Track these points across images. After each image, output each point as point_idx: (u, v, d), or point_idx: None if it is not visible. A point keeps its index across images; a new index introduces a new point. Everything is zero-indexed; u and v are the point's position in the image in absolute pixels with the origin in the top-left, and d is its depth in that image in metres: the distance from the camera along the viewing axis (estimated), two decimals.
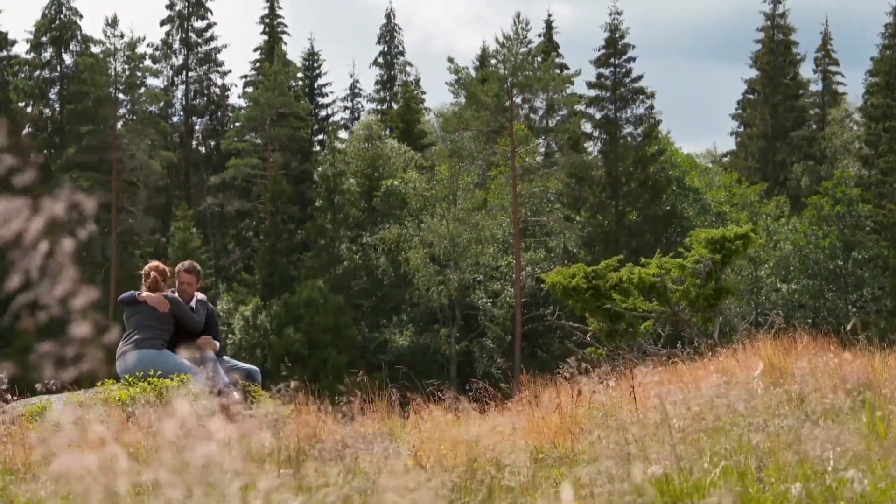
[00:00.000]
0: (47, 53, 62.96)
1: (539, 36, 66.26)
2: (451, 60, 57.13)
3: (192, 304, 10.86)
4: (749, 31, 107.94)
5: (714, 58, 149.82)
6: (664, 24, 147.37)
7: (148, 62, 65.94)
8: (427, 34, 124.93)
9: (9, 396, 9.22)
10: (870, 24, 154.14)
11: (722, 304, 20.93)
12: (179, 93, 69.05)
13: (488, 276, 55.65)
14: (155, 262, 10.98)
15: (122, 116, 63.66)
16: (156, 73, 66.19)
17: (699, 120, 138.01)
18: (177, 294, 10.80)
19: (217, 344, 10.76)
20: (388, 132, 66.76)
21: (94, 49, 62.69)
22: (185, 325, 10.54)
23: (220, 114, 69.82)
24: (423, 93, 72.25)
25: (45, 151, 60.97)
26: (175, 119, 69.16)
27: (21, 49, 63.10)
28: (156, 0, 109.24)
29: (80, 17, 63.44)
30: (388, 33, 72.20)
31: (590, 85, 59.82)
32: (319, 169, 62.71)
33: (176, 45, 68.70)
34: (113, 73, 62.42)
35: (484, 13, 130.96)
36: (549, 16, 75.68)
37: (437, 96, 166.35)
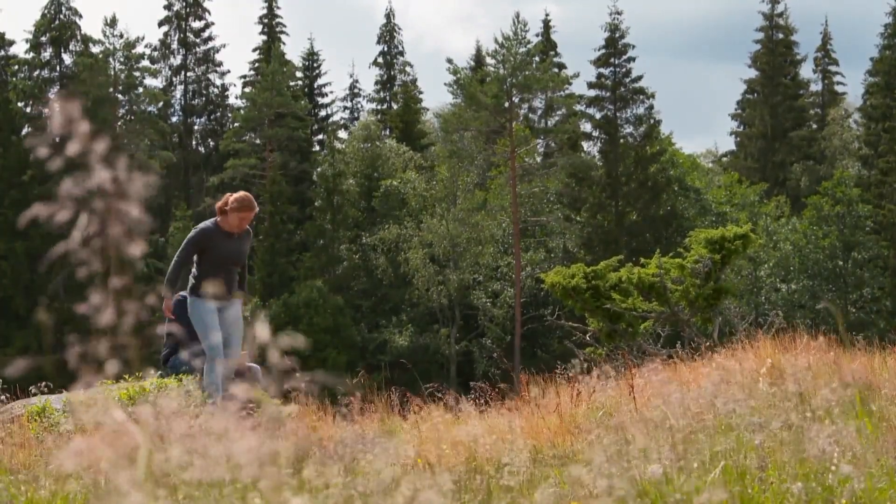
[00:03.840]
0: (47, 53, 62.96)
1: (537, 36, 66.27)
2: (450, 61, 57.24)
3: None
4: (749, 32, 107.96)
5: (713, 58, 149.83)
6: (664, 24, 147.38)
7: (146, 62, 66.01)
8: (418, 33, 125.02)
9: (3, 397, 9.22)
10: (869, 25, 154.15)
11: (721, 304, 20.94)
12: (178, 93, 69.11)
13: (488, 276, 55.64)
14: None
15: (121, 117, 63.71)
16: (154, 74, 66.24)
17: (699, 120, 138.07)
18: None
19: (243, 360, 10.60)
20: (387, 132, 66.75)
21: (94, 49, 62.74)
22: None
23: (218, 114, 69.85)
24: (421, 92, 72.36)
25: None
26: (174, 119, 69.19)
27: (19, 49, 63.14)
28: (154, 0, 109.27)
29: (80, 17, 63.46)
30: (388, 33, 72.22)
31: (590, 85, 59.89)
32: (319, 169, 62.71)
33: (174, 46, 68.74)
34: (112, 74, 62.46)
35: (474, 12, 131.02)
36: (547, 15, 75.78)
37: (431, 95, 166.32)
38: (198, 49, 68.92)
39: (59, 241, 2.42)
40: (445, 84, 60.49)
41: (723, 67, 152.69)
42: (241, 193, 10.06)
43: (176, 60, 68.92)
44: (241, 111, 65.05)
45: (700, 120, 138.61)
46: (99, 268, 2.38)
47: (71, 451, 2.36)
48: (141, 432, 2.43)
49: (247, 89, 66.88)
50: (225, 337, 9.94)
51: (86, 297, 2.42)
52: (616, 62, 59.26)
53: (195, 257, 10.03)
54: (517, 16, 58.11)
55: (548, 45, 66.91)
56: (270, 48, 66.32)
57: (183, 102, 69.07)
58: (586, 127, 61.33)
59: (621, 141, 58.48)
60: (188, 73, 68.97)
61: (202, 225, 10.06)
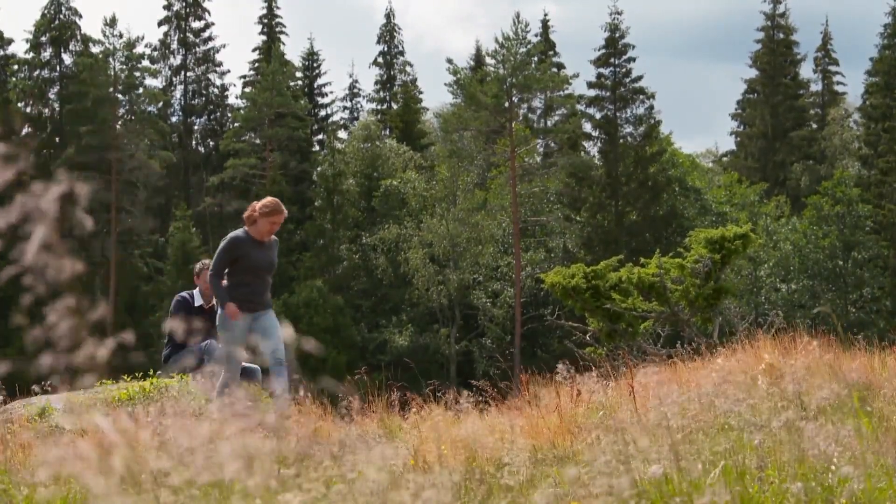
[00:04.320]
0: (46, 53, 62.98)
1: (536, 36, 66.27)
2: (450, 61, 57.24)
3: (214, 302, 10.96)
4: (749, 31, 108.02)
5: (714, 57, 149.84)
6: (664, 24, 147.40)
7: (146, 62, 66.01)
8: (418, 33, 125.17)
9: (1, 397, 9.21)
10: (870, 25, 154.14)
11: (721, 304, 20.93)
12: (178, 93, 69.13)
13: (488, 276, 55.65)
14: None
15: (121, 116, 63.70)
16: (154, 73, 66.23)
17: (699, 120, 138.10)
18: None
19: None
20: (387, 132, 66.76)
21: (94, 49, 62.75)
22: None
23: (218, 114, 69.86)
24: (421, 92, 72.38)
25: (44, 151, 60.98)
26: (174, 119, 69.20)
27: (18, 48, 63.15)
28: (154, 0, 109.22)
29: (80, 16, 63.48)
30: (388, 33, 72.24)
31: (589, 85, 59.89)
32: (318, 169, 62.71)
33: (174, 46, 68.76)
34: (112, 73, 62.47)
35: (474, 12, 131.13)
36: (546, 15, 75.39)
37: (431, 95, 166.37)
38: (198, 49, 68.93)
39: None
40: (445, 84, 60.53)
41: (722, 67, 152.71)
42: (269, 199, 10.05)
43: (176, 60, 68.96)
44: (241, 111, 65.05)
45: (700, 120, 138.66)
46: (45, 289, 2.37)
47: (53, 456, 2.36)
48: (120, 436, 2.43)
49: (247, 89, 66.89)
50: (266, 344, 9.86)
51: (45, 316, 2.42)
52: (616, 62, 59.28)
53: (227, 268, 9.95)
54: (517, 16, 58.10)
55: (546, 45, 66.91)
56: (270, 48, 66.33)
57: (183, 102, 69.09)
58: (586, 127, 61.37)
59: (621, 141, 58.50)
60: (188, 73, 68.98)
61: (232, 234, 9.98)
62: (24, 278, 2.36)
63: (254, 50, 70.17)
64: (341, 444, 5.35)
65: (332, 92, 71.38)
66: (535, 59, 58.10)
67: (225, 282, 9.84)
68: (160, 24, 68.67)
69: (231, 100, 70.17)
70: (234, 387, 9.62)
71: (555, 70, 62.09)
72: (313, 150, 66.47)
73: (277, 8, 69.81)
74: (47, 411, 9.27)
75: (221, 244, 9.94)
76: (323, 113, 70.07)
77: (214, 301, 11.06)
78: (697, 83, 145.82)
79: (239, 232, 9.94)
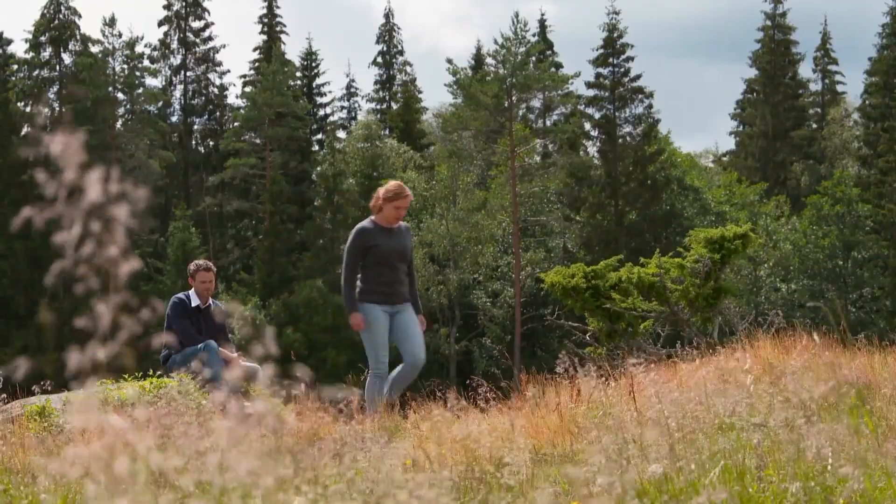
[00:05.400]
0: (46, 53, 62.98)
1: (533, 35, 66.24)
2: (449, 62, 57.23)
3: (211, 302, 11.07)
4: (749, 31, 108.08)
5: (713, 57, 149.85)
6: (662, 23, 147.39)
7: (146, 62, 66.04)
8: (414, 33, 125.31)
9: (4, 396, 9.21)
10: (869, 24, 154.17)
11: (721, 303, 20.91)
12: (178, 92, 69.14)
13: (488, 276, 55.65)
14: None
15: (121, 116, 63.73)
16: (154, 73, 66.25)
17: (698, 119, 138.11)
18: (192, 293, 10.96)
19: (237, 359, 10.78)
20: (387, 132, 66.77)
21: (93, 49, 62.76)
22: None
23: (218, 114, 69.86)
24: (420, 92, 72.34)
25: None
26: (174, 119, 69.21)
27: (17, 48, 63.13)
28: (154, 0, 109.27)
29: (79, 16, 63.49)
30: (387, 33, 72.23)
31: (588, 85, 59.88)
32: (318, 169, 62.72)
33: (174, 45, 68.77)
34: (112, 73, 62.49)
35: (470, 12, 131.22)
36: (542, 14, 74.89)
37: (427, 95, 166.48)
38: (197, 49, 68.93)
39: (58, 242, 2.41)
40: (445, 84, 60.53)
41: (722, 67, 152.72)
42: (392, 182, 9.78)
43: (176, 60, 68.96)
44: (241, 111, 65.07)
45: (698, 119, 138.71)
46: (96, 285, 2.37)
47: (68, 456, 2.37)
48: (139, 435, 2.44)
49: (247, 89, 66.91)
50: (406, 346, 9.81)
51: (86, 308, 2.42)
52: (614, 62, 59.29)
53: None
54: (516, 15, 58.04)
55: (544, 44, 66.89)
56: (271, 48, 66.33)
57: (183, 102, 69.10)
58: (585, 126, 61.41)
59: (620, 140, 58.52)
60: (188, 73, 68.98)
61: (359, 225, 9.74)
62: (77, 270, 2.36)
63: (254, 50, 70.24)
64: (342, 443, 5.35)
65: (330, 92, 71.40)
66: (534, 58, 58.10)
67: (360, 275, 9.59)
68: (160, 23, 68.69)
69: (231, 100, 70.25)
70: (382, 388, 9.58)
71: (554, 69, 62.10)
72: (313, 149, 66.47)
73: (277, 7, 69.83)
74: (47, 411, 9.27)
75: (349, 240, 9.68)
76: (322, 113, 70.09)
77: (211, 301, 11.09)
78: (696, 82, 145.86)
79: (365, 222, 9.71)
